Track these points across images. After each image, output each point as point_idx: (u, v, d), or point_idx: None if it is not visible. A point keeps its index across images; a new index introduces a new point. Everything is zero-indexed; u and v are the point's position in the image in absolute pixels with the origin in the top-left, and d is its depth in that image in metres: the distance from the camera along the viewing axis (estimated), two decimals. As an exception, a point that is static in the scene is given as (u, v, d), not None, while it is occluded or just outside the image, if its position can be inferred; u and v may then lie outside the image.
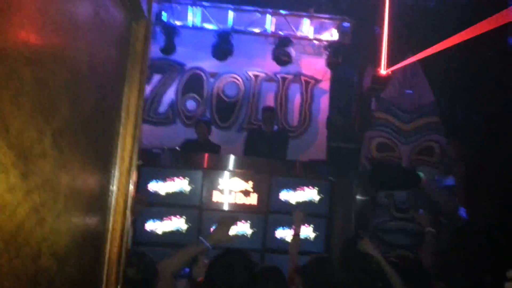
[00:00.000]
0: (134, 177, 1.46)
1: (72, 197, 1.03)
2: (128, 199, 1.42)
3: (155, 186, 4.62)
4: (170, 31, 6.21)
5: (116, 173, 1.35)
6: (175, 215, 4.66)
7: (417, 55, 5.38)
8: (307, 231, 4.85)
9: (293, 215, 3.52)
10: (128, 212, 1.42)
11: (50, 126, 0.86)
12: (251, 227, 4.80)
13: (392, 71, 5.78)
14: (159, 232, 4.63)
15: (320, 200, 4.95)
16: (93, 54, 1.12)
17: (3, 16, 0.69)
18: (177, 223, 4.67)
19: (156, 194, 4.59)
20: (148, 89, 6.17)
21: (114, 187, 1.34)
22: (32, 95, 0.79)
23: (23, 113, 0.76)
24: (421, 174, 4.65)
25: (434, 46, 4.92)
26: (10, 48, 0.72)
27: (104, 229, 1.30)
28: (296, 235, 3.44)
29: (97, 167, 1.23)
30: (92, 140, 1.14)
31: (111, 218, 1.33)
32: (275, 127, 6.01)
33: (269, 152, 5.46)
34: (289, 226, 4.84)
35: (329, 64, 6.62)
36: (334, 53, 6.54)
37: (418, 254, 4.92)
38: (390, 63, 5.94)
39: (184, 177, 4.69)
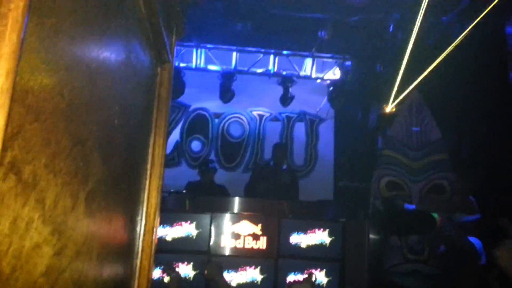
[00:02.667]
0: (156, 235, 1.34)
1: (99, 256, 0.91)
2: (153, 252, 1.31)
3: (161, 232, 4.45)
4: (177, 74, 6.22)
5: (141, 231, 1.23)
6: (182, 261, 4.47)
7: (413, 85, 5.39)
8: (320, 276, 4.64)
9: (208, 268, 3.39)
10: (153, 267, 1.30)
11: (84, 191, 0.75)
12: (261, 273, 4.60)
13: (398, 109, 5.75)
14: (166, 280, 4.42)
15: (331, 242, 4.78)
16: (124, 105, 1.03)
17: (42, 68, 0.59)
18: (184, 270, 4.47)
19: (162, 240, 4.41)
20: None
21: (139, 247, 1.22)
22: (68, 157, 0.68)
23: (59, 180, 0.65)
24: (436, 216, 4.52)
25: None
26: (50, 104, 0.62)
27: (133, 272, 1.18)
28: (219, 283, 3.31)
29: (124, 222, 1.11)
30: (120, 200, 1.03)
31: (137, 274, 1.21)
32: (284, 166, 5.90)
33: (278, 190, 5.32)
34: (301, 271, 4.64)
35: (332, 103, 6.59)
36: (337, 92, 6.54)
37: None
38: (394, 101, 5.93)
39: (191, 222, 4.53)
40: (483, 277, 3.92)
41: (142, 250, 1.24)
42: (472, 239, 4.72)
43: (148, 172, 1.28)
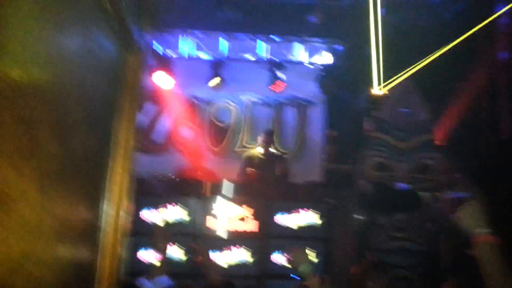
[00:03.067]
0: (126, 210, 1.43)
1: (56, 237, 1.00)
2: (119, 234, 1.39)
3: (149, 215, 4.59)
4: (164, 62, 6.27)
5: (105, 207, 1.34)
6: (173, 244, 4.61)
7: (409, 70, 5.44)
8: (311, 256, 4.79)
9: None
10: (120, 248, 1.39)
11: (34, 167, 0.86)
12: (249, 252, 4.75)
13: (387, 91, 5.81)
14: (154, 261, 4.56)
15: (317, 222, 4.91)
16: (82, 89, 1.10)
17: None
18: (173, 252, 4.61)
19: (152, 224, 4.55)
20: (142, 118, 6.18)
21: (102, 223, 1.32)
22: (13, 136, 0.79)
23: (3, 157, 0.76)
24: (422, 194, 4.63)
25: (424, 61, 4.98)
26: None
27: (92, 268, 1.27)
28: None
29: (85, 203, 1.21)
30: (80, 176, 1.13)
31: (99, 256, 1.30)
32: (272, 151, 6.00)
33: (267, 175, 5.43)
34: (287, 251, 4.79)
35: (322, 87, 6.65)
36: (327, 76, 6.59)
37: (418, 274, 4.86)
38: (384, 83, 5.98)
39: (180, 205, 4.67)
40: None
41: (107, 225, 1.34)
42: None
43: (112, 152, 1.37)
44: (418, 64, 5.66)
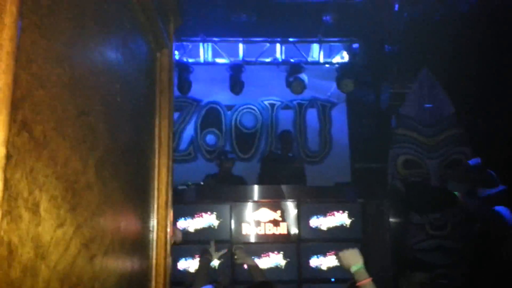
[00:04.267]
0: (171, 214, 1.40)
1: (117, 232, 0.98)
2: (167, 233, 1.36)
3: (183, 224, 4.56)
4: (184, 69, 6.31)
5: (155, 206, 1.30)
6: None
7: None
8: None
9: (236, 253, 3.47)
10: (169, 247, 1.36)
11: (93, 156, 0.82)
12: (284, 257, 4.67)
13: (409, 87, 5.73)
14: (192, 270, 4.52)
15: (351, 223, 4.81)
16: (125, 85, 1.09)
17: (43, 44, 0.66)
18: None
19: (185, 232, 4.51)
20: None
21: (154, 221, 1.29)
22: (76, 125, 0.75)
23: (68, 144, 0.72)
24: (457, 193, 4.51)
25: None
26: (53, 75, 0.69)
27: (148, 265, 1.24)
28: (251, 266, 3.37)
29: (137, 200, 1.18)
30: (130, 171, 1.10)
31: (154, 253, 1.27)
32: (290, 154, 5.95)
33: (284, 177, 5.38)
34: (323, 254, 4.69)
35: (340, 86, 6.59)
36: (345, 75, 6.53)
37: (456, 272, 4.72)
38: (405, 79, 5.90)
39: (212, 212, 4.63)
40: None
41: (158, 223, 1.30)
42: (499, 208, 4.69)
43: (156, 150, 1.34)
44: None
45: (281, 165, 5.59)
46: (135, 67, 1.22)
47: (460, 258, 4.88)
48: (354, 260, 2.22)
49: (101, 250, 0.82)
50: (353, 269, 2.20)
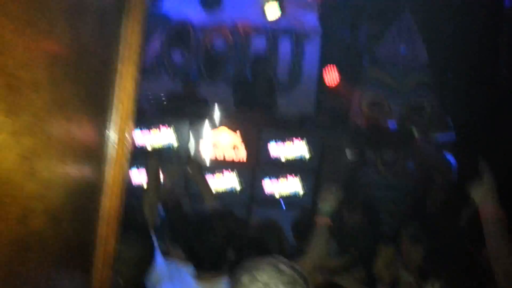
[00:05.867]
0: (133, 121, 1.28)
1: (65, 142, 0.86)
2: (127, 148, 1.25)
3: (139, 135, 4.43)
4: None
5: (114, 117, 1.17)
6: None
7: None
8: (294, 183, 4.79)
9: (190, 166, 3.24)
10: (127, 164, 1.25)
11: (45, 49, 0.67)
12: (239, 179, 4.71)
13: (387, 28, 5.65)
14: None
15: (309, 153, 4.88)
16: None
17: None
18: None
19: (142, 149, 4.40)
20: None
21: (112, 133, 1.17)
22: (23, 6, 0.59)
23: (12, 25, 0.56)
24: (415, 131, 4.61)
25: None
26: None
27: (100, 181, 1.13)
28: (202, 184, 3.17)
29: (94, 108, 1.05)
30: (90, 75, 0.95)
31: (109, 169, 1.16)
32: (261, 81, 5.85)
33: (257, 102, 5.33)
34: (276, 177, 4.76)
35: (321, 19, 6.38)
36: (326, 8, 6.30)
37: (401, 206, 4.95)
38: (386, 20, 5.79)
39: (170, 126, 4.51)
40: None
41: (117, 137, 1.18)
42: (449, 156, 4.86)
43: (122, 55, 1.18)
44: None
45: (252, 91, 5.46)
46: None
47: (406, 195, 5.09)
48: (328, 199, 2.26)
49: (44, 164, 0.70)
50: (323, 207, 2.22)
